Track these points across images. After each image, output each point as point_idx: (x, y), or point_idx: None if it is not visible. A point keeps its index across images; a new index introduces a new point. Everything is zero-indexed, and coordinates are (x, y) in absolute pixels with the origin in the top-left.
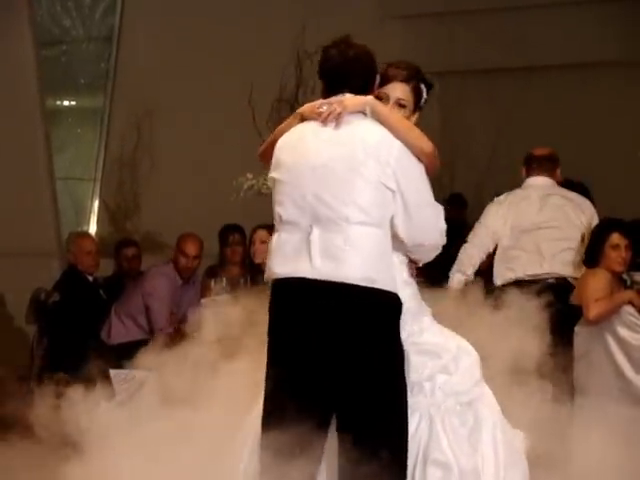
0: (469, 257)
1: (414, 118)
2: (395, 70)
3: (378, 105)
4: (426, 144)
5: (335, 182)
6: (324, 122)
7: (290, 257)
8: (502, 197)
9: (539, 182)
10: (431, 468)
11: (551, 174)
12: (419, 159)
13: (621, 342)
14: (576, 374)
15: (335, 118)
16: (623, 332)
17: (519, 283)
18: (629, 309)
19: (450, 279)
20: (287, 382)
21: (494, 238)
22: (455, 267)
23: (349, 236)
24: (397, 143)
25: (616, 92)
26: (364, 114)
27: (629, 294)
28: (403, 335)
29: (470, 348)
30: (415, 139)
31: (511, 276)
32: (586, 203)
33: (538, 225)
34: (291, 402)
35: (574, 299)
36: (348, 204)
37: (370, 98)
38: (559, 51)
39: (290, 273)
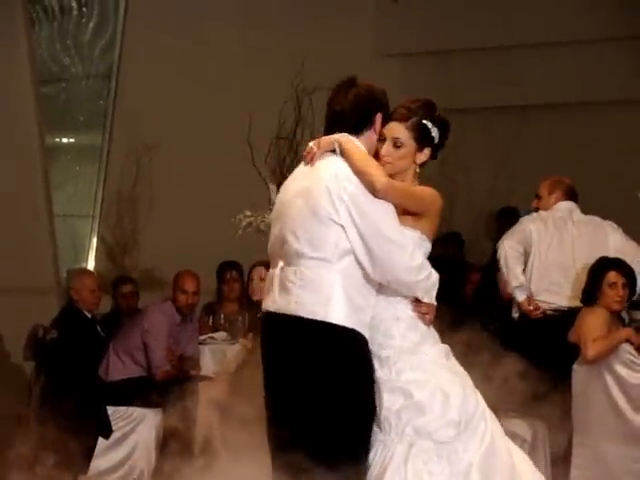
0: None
1: (422, 156)
2: (396, 109)
3: (344, 142)
4: (378, 180)
5: (294, 218)
6: (305, 162)
7: (267, 291)
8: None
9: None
10: None
11: None
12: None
13: (619, 380)
14: (574, 412)
15: (311, 157)
16: (621, 370)
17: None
18: (627, 347)
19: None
20: (267, 407)
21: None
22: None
23: (301, 271)
24: (355, 179)
25: (614, 131)
26: (334, 152)
27: (626, 332)
28: (384, 372)
29: (454, 389)
30: (367, 175)
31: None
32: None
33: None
34: (269, 428)
35: (572, 337)
36: (300, 239)
37: (340, 136)
38: (558, 90)
39: (266, 307)
